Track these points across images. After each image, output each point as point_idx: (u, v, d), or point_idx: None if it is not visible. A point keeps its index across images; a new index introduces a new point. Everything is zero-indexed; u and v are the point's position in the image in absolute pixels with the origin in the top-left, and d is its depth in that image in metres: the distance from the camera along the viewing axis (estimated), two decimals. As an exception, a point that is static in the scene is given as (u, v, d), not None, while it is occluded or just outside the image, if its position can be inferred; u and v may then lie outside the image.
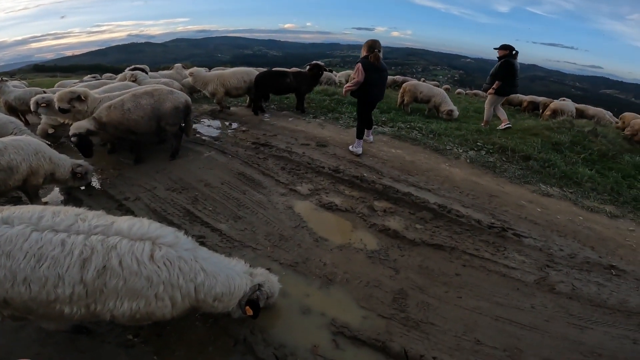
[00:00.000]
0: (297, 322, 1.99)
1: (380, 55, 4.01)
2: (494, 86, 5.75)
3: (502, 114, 6.07)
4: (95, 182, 3.72)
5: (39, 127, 4.84)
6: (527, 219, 3.10)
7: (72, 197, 3.46)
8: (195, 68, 6.65)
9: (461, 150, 4.56)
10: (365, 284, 2.26)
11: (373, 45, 4.00)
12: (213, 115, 6.60)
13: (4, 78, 8.10)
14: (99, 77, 8.63)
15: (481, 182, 3.74)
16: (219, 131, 5.53)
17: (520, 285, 2.33)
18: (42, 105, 4.16)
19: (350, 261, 2.50)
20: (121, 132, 3.88)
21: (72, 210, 1.57)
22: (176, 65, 9.35)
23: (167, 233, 1.58)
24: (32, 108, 4.26)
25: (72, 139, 3.55)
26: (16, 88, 6.68)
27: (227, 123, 5.99)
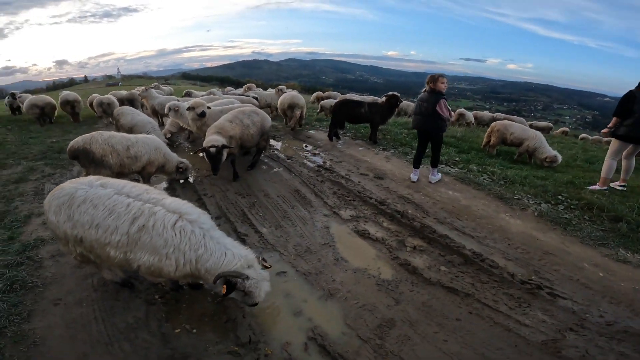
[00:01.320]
0: (285, 319, 2.37)
1: (433, 87, 4.40)
2: (609, 125, 4.66)
3: (628, 169, 4.79)
4: (190, 178, 4.88)
5: (164, 129, 6.55)
6: (579, 282, 2.76)
7: (170, 186, 4.68)
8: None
9: (532, 202, 4.21)
10: (361, 305, 2.47)
11: (430, 79, 4.49)
12: (294, 135, 7.62)
13: (156, 84, 11.24)
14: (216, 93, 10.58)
15: (542, 238, 3.44)
16: (294, 151, 6.41)
17: (521, 342, 2.19)
18: (173, 109, 5.64)
19: (358, 284, 2.73)
20: (237, 146, 4.62)
21: (144, 186, 2.35)
22: (249, 84, 11.27)
23: (194, 212, 2.19)
24: (165, 111, 5.85)
25: (210, 149, 4.13)
26: (160, 95, 8.96)
27: (304, 145, 6.85)
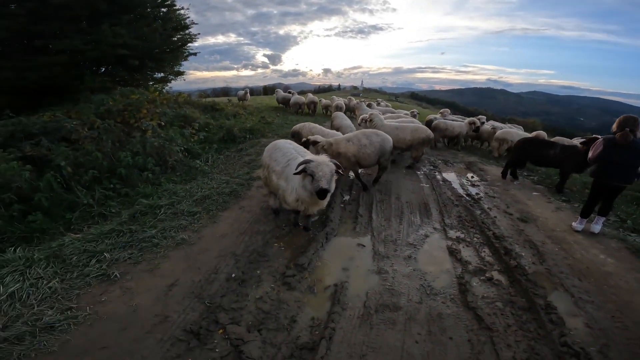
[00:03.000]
0: (334, 269, 3.39)
1: (634, 135, 3.71)
2: None
3: None
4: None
5: None
6: None
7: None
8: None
9: None
10: (389, 291, 3.05)
11: (625, 122, 3.78)
12: (468, 166, 7.71)
13: (373, 102, 14.89)
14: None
15: None
16: (456, 177, 6.66)
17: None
18: (364, 120, 7.29)
19: (408, 278, 3.24)
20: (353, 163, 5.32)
21: (310, 152, 3.87)
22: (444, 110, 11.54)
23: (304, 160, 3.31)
24: (358, 122, 7.70)
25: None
26: (368, 109, 11.35)
27: (470, 175, 6.93)
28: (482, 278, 3.24)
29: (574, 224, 4.40)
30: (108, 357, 2.20)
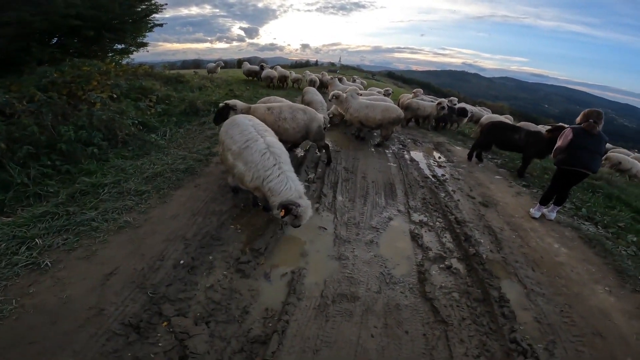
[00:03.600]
0: (292, 254, 3.25)
1: (598, 127, 3.96)
2: None
3: None
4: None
5: (329, 111, 8.04)
6: None
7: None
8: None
9: None
10: (348, 278, 3.01)
11: (589, 115, 4.02)
12: (436, 146, 7.79)
13: (341, 77, 14.62)
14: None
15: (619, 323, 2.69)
16: (423, 157, 6.70)
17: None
18: (335, 96, 7.02)
19: (367, 265, 3.20)
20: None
21: (268, 128, 3.60)
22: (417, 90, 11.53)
23: (280, 149, 3.20)
24: (329, 98, 7.39)
25: (221, 104, 4.86)
26: (341, 85, 11.12)
27: (439, 156, 7.01)
28: (441, 266, 3.26)
29: (531, 210, 4.56)
30: (37, 352, 2.02)
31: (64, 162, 4.29)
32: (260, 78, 15.70)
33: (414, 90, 12.53)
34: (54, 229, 3.02)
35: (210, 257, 2.98)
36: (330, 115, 7.89)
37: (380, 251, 3.38)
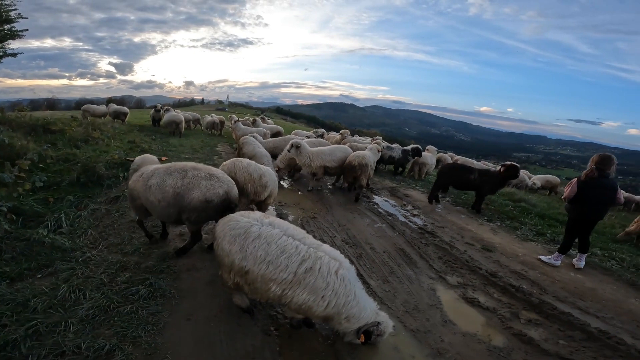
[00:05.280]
0: None
1: (609, 172, 4.26)
2: None
3: None
4: (297, 222, 5.65)
5: (275, 162, 7.49)
6: None
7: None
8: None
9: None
10: None
11: (599, 161, 4.31)
12: (392, 192, 8.23)
13: (263, 115, 15.04)
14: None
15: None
16: (394, 209, 6.93)
17: None
18: (295, 146, 6.79)
19: (468, 347, 2.97)
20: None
21: (302, 230, 2.85)
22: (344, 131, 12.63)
23: (347, 262, 2.66)
24: (287, 148, 6.98)
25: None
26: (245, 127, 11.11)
27: (403, 203, 7.37)
28: (523, 322, 3.42)
29: (546, 258, 4.85)
30: None
31: None
32: (160, 124, 14.61)
33: (341, 132, 12.46)
34: None
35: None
36: (276, 169, 7.50)
37: (462, 328, 3.27)
